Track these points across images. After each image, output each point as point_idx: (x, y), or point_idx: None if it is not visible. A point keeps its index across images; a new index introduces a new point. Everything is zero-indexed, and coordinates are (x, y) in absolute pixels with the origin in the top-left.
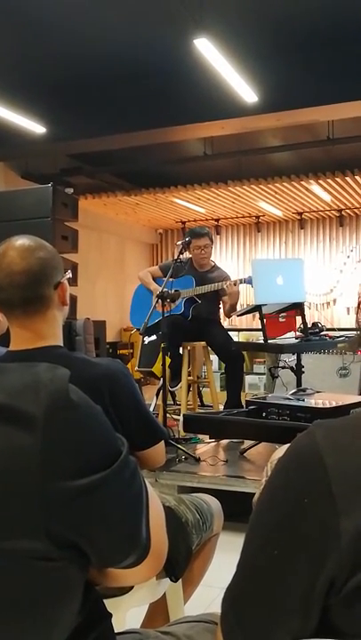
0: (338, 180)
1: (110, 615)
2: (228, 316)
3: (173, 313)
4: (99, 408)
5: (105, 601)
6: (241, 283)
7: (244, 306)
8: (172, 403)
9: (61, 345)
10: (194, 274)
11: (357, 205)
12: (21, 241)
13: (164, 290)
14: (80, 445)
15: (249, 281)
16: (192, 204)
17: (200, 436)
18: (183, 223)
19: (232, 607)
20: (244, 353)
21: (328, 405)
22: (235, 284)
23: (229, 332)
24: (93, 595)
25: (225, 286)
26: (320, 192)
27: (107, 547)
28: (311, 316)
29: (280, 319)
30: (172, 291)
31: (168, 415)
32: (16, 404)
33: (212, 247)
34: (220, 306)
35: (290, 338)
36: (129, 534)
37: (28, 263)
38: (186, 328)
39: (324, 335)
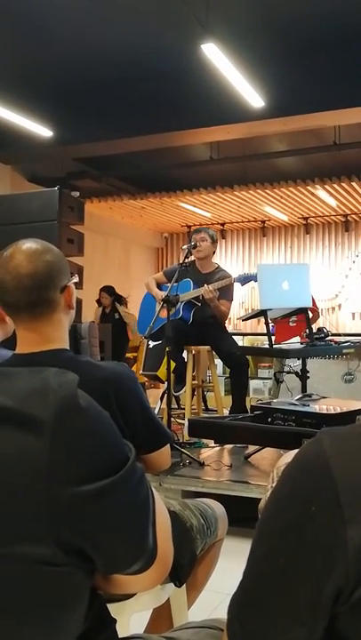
0: (344, 185)
1: (115, 620)
2: (220, 321)
3: (173, 318)
4: (107, 414)
5: (109, 606)
6: (231, 282)
7: (249, 310)
8: (176, 407)
9: (68, 348)
10: (197, 276)
11: None
12: (28, 244)
13: (169, 294)
14: (88, 451)
15: (238, 279)
16: (198, 209)
17: (204, 441)
18: (189, 227)
19: (237, 615)
20: (249, 358)
21: (334, 411)
22: (209, 290)
23: (234, 337)
24: (99, 600)
25: (202, 292)
26: (326, 197)
27: (113, 553)
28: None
29: (290, 323)
30: (175, 295)
31: (172, 419)
32: (25, 409)
33: (213, 246)
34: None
35: (295, 343)
36: (135, 541)
37: (34, 266)
38: (187, 332)
39: (330, 340)
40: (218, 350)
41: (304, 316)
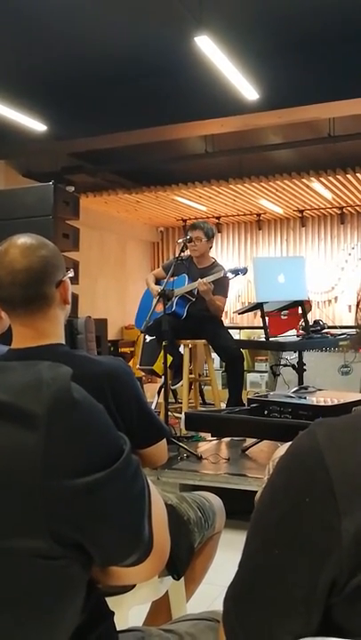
0: (339, 177)
1: (112, 613)
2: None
3: (167, 312)
4: (101, 406)
5: (107, 599)
6: (223, 275)
7: (245, 303)
8: (173, 401)
9: (63, 343)
10: (194, 271)
11: (359, 203)
12: (23, 239)
13: (165, 289)
14: (82, 444)
15: (230, 272)
16: (193, 202)
17: (202, 434)
18: (184, 221)
19: (233, 606)
20: (246, 351)
21: (330, 403)
22: (203, 284)
23: (230, 330)
24: (96, 593)
25: (197, 285)
26: (321, 189)
27: (109, 545)
28: (313, 313)
29: (282, 317)
30: (170, 290)
31: (170, 413)
32: (18, 403)
33: (209, 242)
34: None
35: (292, 336)
36: (131, 533)
37: (29, 261)
38: (179, 327)
39: (326, 333)
40: (213, 344)
41: (298, 308)
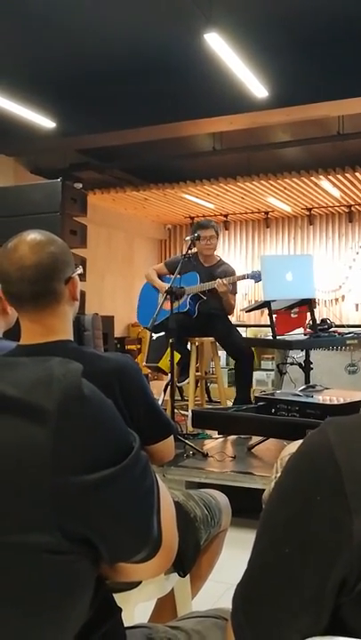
0: (348, 175)
1: (120, 610)
2: (227, 313)
3: (178, 311)
4: (111, 403)
5: (113, 595)
6: (244, 278)
7: (253, 302)
8: (179, 398)
9: (72, 340)
10: (200, 269)
11: None
12: (33, 235)
13: (172, 286)
14: (92, 440)
15: (252, 276)
16: (201, 200)
17: (208, 432)
18: (192, 219)
19: (242, 605)
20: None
21: (337, 402)
22: (223, 284)
23: (238, 328)
24: (104, 589)
25: (215, 285)
26: (329, 188)
27: (118, 542)
28: (320, 312)
29: (292, 315)
30: (180, 287)
31: (176, 411)
32: (29, 399)
33: (218, 241)
34: None
35: (299, 334)
36: (140, 529)
37: (39, 257)
38: (191, 325)
39: (333, 331)
40: (222, 342)
41: (306, 307)
